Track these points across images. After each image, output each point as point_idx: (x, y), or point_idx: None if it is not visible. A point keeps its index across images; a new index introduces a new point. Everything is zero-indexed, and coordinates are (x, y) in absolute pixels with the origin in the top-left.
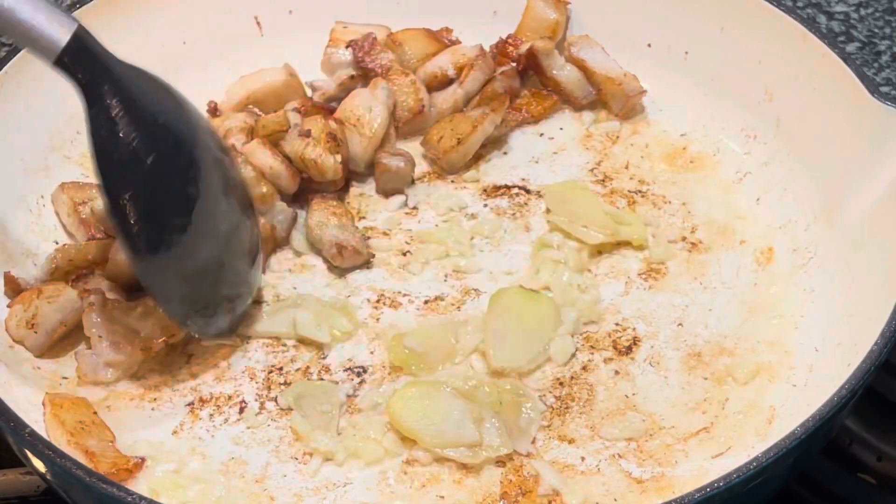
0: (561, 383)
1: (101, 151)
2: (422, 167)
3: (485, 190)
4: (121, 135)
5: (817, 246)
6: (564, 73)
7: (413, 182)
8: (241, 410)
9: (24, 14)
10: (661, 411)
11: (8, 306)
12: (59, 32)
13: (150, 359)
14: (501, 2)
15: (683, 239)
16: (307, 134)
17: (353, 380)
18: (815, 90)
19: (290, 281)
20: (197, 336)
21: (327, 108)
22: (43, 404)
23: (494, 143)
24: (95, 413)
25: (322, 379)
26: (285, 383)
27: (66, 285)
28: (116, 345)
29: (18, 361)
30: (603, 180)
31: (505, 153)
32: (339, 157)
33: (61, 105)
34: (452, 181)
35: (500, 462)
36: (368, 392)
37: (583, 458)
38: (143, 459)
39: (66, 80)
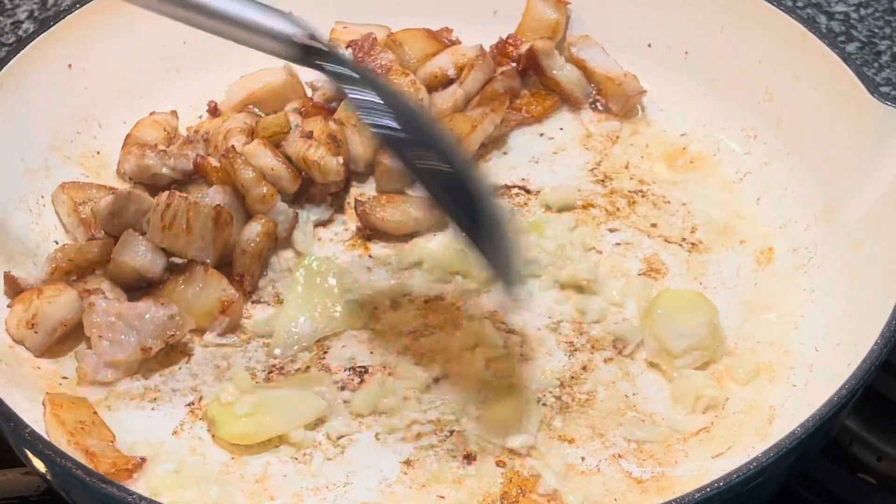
0: (561, 383)
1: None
2: None
3: None
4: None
5: (817, 246)
6: (564, 73)
7: (413, 182)
8: None
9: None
10: (661, 411)
11: (8, 306)
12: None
13: (150, 359)
14: (501, 2)
15: (683, 239)
16: (309, 136)
17: (353, 380)
18: (815, 90)
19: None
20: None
21: (327, 108)
22: (43, 404)
23: (494, 143)
24: (95, 413)
25: (322, 379)
26: None
27: (66, 285)
28: (117, 345)
29: (18, 361)
30: (603, 180)
31: (505, 153)
32: (341, 159)
33: (61, 105)
34: None
35: (500, 462)
36: (368, 392)
37: (583, 458)
38: (143, 459)
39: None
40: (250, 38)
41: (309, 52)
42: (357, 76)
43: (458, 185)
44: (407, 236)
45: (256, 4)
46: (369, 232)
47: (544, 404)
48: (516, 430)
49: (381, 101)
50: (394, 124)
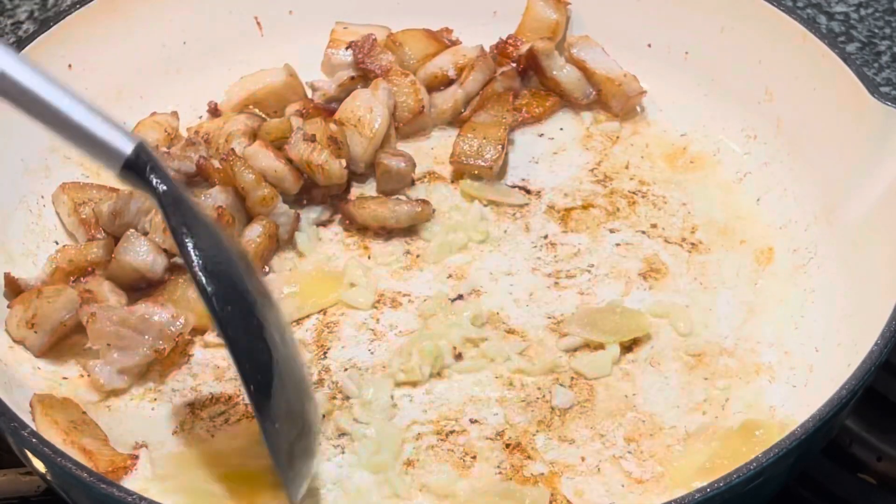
0: (561, 384)
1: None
2: (422, 168)
3: None
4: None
5: (817, 246)
6: (564, 73)
7: (413, 182)
8: (242, 410)
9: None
10: (661, 411)
11: (8, 306)
12: (124, 143)
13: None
14: (501, 2)
15: (683, 240)
16: (312, 139)
17: (353, 379)
18: (815, 90)
19: None
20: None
21: (327, 109)
22: (31, 405)
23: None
24: (85, 413)
25: (322, 379)
26: None
27: (66, 285)
28: (128, 351)
29: (18, 361)
30: (603, 180)
31: (505, 153)
32: (344, 162)
33: None
34: (452, 181)
35: (500, 462)
36: (368, 392)
37: (583, 459)
38: (138, 456)
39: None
40: (80, 145)
41: (135, 168)
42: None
43: (262, 356)
44: (385, 230)
45: (92, 112)
46: (347, 222)
47: (544, 404)
48: (516, 431)
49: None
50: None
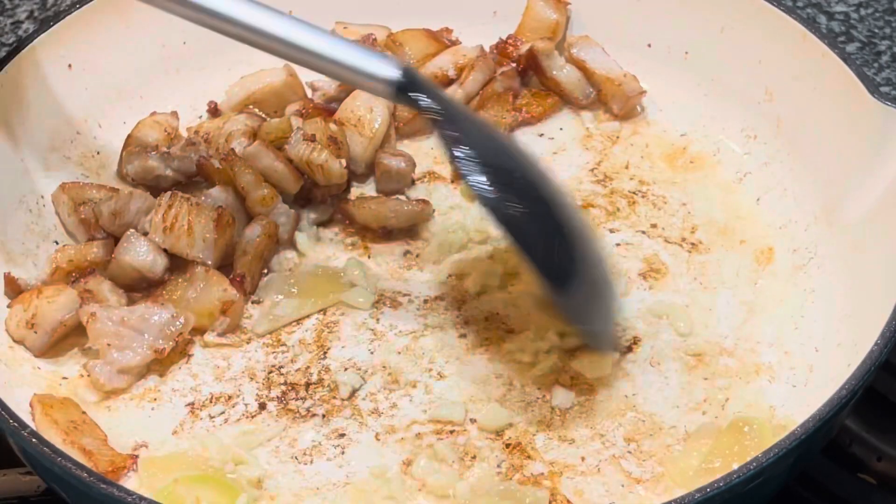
0: (561, 384)
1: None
2: (422, 168)
3: None
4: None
5: (817, 246)
6: (564, 73)
7: (413, 182)
8: (242, 410)
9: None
10: (661, 411)
11: (8, 306)
12: (390, 70)
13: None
14: (501, 2)
15: (683, 239)
16: (312, 139)
17: (353, 379)
18: (815, 90)
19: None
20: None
21: (327, 109)
22: (31, 405)
23: None
24: (84, 413)
25: (322, 379)
26: (285, 383)
27: (66, 285)
28: (127, 350)
29: (18, 361)
30: (603, 180)
31: None
32: (344, 162)
33: (61, 105)
34: (452, 181)
35: (500, 462)
36: (368, 393)
37: (583, 459)
38: (138, 456)
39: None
40: (348, 78)
41: (406, 89)
42: (451, 114)
43: (554, 240)
44: (385, 229)
45: (353, 46)
46: (347, 222)
47: (544, 404)
48: (516, 431)
49: (475, 148)
50: (487, 178)
